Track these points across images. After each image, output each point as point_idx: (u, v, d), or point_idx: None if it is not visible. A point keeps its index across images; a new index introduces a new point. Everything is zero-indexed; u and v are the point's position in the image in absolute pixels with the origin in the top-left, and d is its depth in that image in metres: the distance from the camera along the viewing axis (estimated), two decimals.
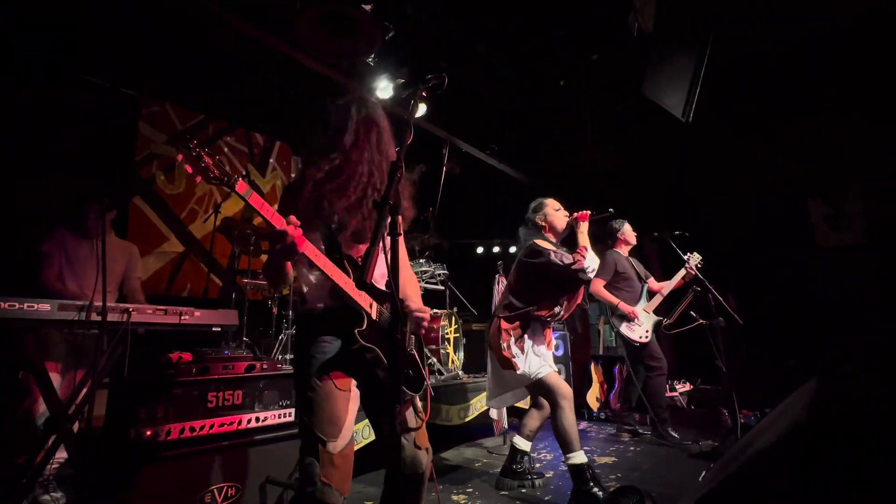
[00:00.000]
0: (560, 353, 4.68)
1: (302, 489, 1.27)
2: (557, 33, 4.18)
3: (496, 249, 7.17)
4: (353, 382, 1.41)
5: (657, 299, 3.89)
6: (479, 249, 7.23)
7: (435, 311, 4.20)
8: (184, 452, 1.89)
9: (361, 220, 1.41)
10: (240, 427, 2.09)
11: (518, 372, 2.49)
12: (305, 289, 1.44)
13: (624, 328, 3.82)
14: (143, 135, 4.37)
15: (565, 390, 2.46)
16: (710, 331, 3.16)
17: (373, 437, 2.55)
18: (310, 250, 1.25)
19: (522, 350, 2.53)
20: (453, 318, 4.25)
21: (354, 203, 1.40)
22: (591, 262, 2.44)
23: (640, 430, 4.01)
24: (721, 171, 5.55)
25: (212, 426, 2.00)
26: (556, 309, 2.58)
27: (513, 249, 7.55)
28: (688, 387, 4.85)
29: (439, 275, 4.51)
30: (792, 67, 4.62)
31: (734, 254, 5.11)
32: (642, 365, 3.84)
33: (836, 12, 4.00)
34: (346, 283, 1.32)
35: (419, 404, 1.52)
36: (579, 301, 2.64)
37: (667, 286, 3.89)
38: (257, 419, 2.15)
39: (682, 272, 3.79)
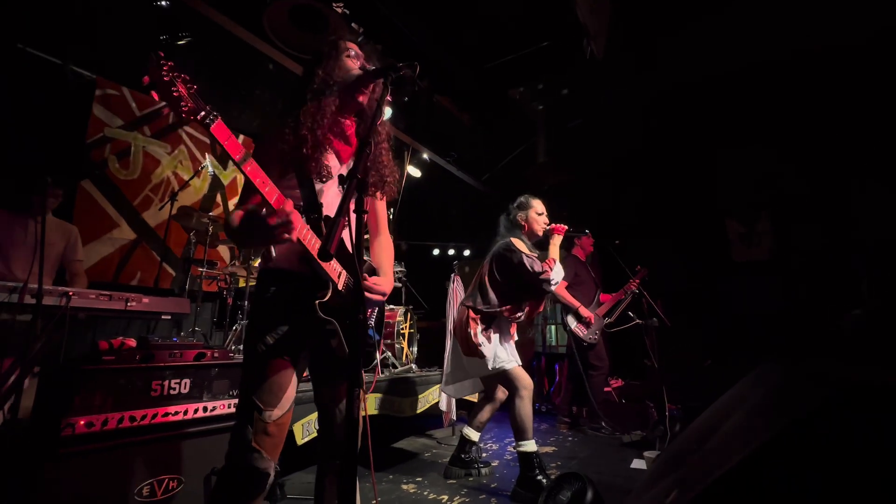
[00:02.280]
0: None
1: (232, 454, 1.18)
2: (518, 52, 4.23)
3: (451, 252, 7.15)
4: (302, 353, 1.31)
5: (606, 306, 4.01)
6: (436, 251, 7.18)
7: (391, 306, 4.10)
8: (122, 443, 1.69)
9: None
10: (186, 417, 1.90)
11: (483, 360, 2.43)
12: (275, 250, 1.32)
13: (575, 327, 3.90)
14: (96, 117, 3.98)
15: (527, 382, 2.44)
16: (645, 330, 3.26)
17: None
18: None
19: (489, 340, 2.47)
20: (409, 315, 4.16)
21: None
22: (556, 275, 2.41)
23: (578, 423, 4.08)
24: (656, 189, 5.81)
25: (154, 416, 1.80)
26: (518, 314, 2.53)
27: (467, 252, 7.57)
28: (619, 383, 5.00)
29: (397, 272, 4.41)
30: (720, 97, 4.92)
31: (663, 264, 5.36)
32: (587, 363, 3.91)
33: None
34: (317, 248, 1.21)
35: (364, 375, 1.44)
36: (540, 310, 2.63)
37: (613, 298, 4.02)
38: (205, 409, 1.97)
39: (629, 287, 3.93)
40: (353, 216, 0.86)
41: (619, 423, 3.91)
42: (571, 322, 3.91)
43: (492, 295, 2.50)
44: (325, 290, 1.23)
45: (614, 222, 5.84)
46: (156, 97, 0.91)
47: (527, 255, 2.42)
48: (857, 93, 4.42)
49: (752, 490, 0.50)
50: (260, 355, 1.24)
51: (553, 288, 2.40)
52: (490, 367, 2.43)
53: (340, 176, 0.83)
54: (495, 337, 2.50)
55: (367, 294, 1.37)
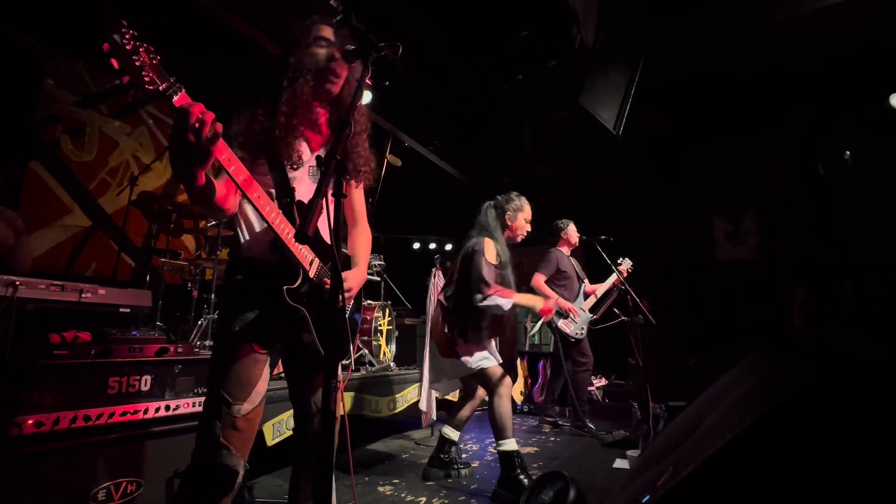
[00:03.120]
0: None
1: (199, 450, 1.17)
2: (505, 39, 4.24)
3: (432, 246, 7.15)
4: (274, 345, 1.31)
5: (592, 299, 4.07)
6: (416, 245, 7.17)
7: (369, 302, 4.08)
8: (76, 444, 1.64)
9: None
10: (146, 416, 1.85)
11: (462, 361, 2.44)
12: (244, 237, 1.31)
13: (561, 324, 3.95)
14: (47, 92, 3.81)
15: (506, 380, 2.46)
16: (630, 327, 3.33)
17: None
18: (252, 189, 1.11)
19: (466, 340, 2.48)
20: (387, 311, 4.15)
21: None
22: (491, 305, 2.34)
23: (560, 422, 4.15)
24: (644, 185, 5.93)
25: (112, 415, 1.75)
26: (483, 325, 2.49)
27: (449, 247, 7.58)
28: (603, 381, 5.12)
29: (375, 265, 4.38)
30: (709, 94, 5.04)
31: (649, 261, 5.49)
32: (571, 360, 3.98)
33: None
34: (289, 234, 1.20)
35: (339, 372, 1.45)
36: (502, 330, 2.59)
37: (600, 288, 4.08)
38: (167, 408, 1.92)
39: (615, 276, 3.99)
40: (331, 200, 0.85)
41: (602, 423, 4.00)
42: (556, 318, 3.97)
43: (454, 297, 2.51)
44: (295, 277, 1.23)
45: (600, 217, 5.94)
46: (115, 65, 0.86)
47: (487, 264, 2.39)
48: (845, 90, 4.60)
49: (742, 470, 0.52)
50: (227, 345, 1.23)
51: (482, 304, 2.35)
52: (469, 368, 2.45)
53: (318, 157, 0.82)
54: (471, 344, 2.51)
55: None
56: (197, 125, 0.93)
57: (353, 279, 1.43)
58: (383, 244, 5.60)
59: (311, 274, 1.28)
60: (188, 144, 0.94)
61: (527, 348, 5.37)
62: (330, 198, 0.83)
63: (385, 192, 5.45)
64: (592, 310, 4.10)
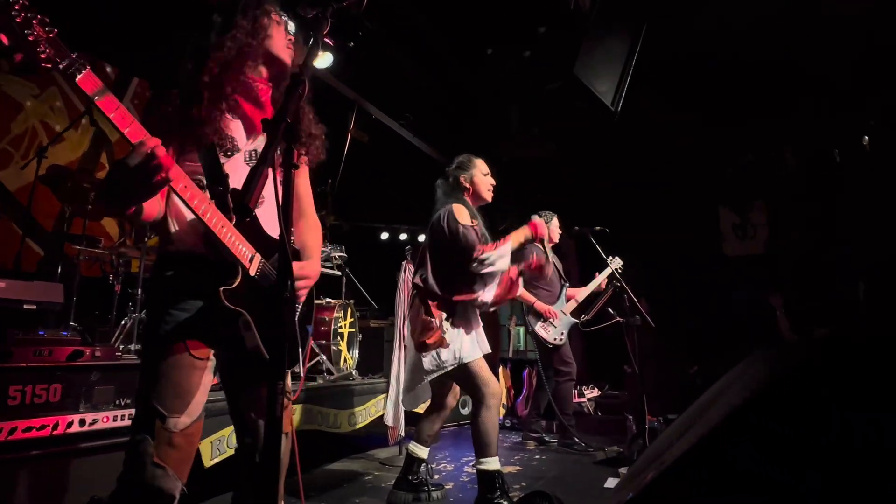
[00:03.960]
0: None
1: (128, 472, 1.17)
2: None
3: (403, 236, 7.13)
4: (212, 351, 1.30)
5: (572, 304, 4.12)
6: (384, 235, 7.14)
7: (328, 300, 4.05)
8: None
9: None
10: (56, 432, 1.79)
11: (444, 352, 2.41)
12: (174, 227, 1.29)
13: (539, 328, 4.00)
14: None
15: (496, 387, 2.45)
16: (626, 330, 3.41)
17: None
18: (179, 180, 1.10)
19: (453, 327, 2.44)
20: (349, 311, 4.13)
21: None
22: (496, 258, 2.36)
23: (547, 438, 4.22)
24: (644, 169, 6.05)
25: (13, 430, 1.69)
26: (478, 297, 2.49)
27: (422, 238, 7.58)
28: (596, 392, 5.23)
29: (336, 258, 4.34)
30: (717, 75, 5.16)
31: (648, 256, 5.62)
32: (552, 369, 4.04)
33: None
34: (223, 227, 1.19)
35: (289, 382, 1.44)
36: (514, 294, 2.59)
37: (582, 293, 4.14)
38: (83, 422, 1.87)
39: (600, 278, 4.05)
40: (280, 195, 0.83)
41: (594, 438, 4.08)
42: (533, 322, 4.01)
43: (432, 277, 2.49)
44: (234, 276, 1.22)
45: (595, 206, 6.04)
46: (4, 41, 0.84)
47: (466, 227, 2.42)
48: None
49: (721, 461, 0.55)
50: (160, 350, 1.22)
51: (487, 270, 2.38)
52: (453, 362, 2.42)
53: (265, 121, 0.80)
54: (458, 327, 2.47)
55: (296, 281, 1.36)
56: (154, 165, 0.99)
57: (308, 269, 1.42)
58: (346, 233, 5.56)
59: (252, 272, 1.27)
60: (141, 187, 1.01)
61: (510, 354, 5.44)
62: (278, 169, 0.82)
63: (348, 174, 5.40)
64: (584, 309, 4.18)
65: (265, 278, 1.30)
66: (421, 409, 3.59)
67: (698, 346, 5.20)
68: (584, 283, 4.29)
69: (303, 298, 1.45)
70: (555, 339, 3.99)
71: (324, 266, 4.31)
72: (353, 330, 4.17)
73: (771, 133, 5.68)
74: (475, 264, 2.37)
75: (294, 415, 2.88)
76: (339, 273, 4.45)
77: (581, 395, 5.08)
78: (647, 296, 4.75)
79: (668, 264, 5.69)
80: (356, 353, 4.16)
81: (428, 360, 2.45)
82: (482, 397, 2.42)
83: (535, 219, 2.55)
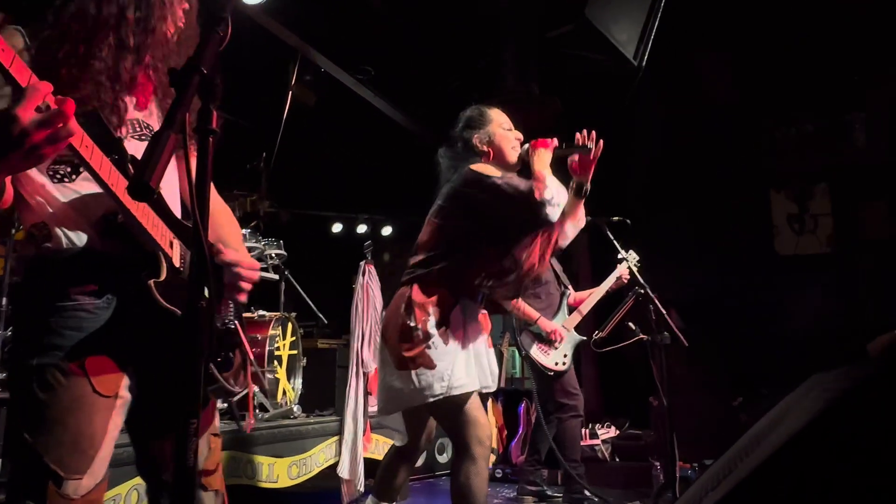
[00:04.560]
0: None
1: None
2: None
3: (362, 229, 7.10)
4: (124, 381, 1.27)
5: (577, 316, 4.12)
6: (337, 227, 7.11)
7: (260, 313, 4.02)
8: None
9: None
10: None
11: (425, 377, 2.32)
12: (48, 211, 1.25)
13: (535, 350, 3.98)
14: None
15: (486, 432, 2.38)
16: (651, 351, 3.44)
17: None
18: (80, 137, 1.07)
19: (445, 342, 2.38)
20: (289, 327, 4.10)
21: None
22: (555, 193, 2.35)
23: (549, 492, 4.26)
24: (674, 142, 6.12)
25: None
26: (509, 263, 2.45)
27: (388, 231, 7.56)
28: (612, 432, 5.29)
29: (271, 258, 4.31)
30: (767, 16, 5.25)
31: (678, 256, 5.68)
32: (553, 402, 4.05)
33: None
34: (138, 204, 1.18)
35: (217, 421, 1.43)
36: (552, 247, 2.52)
37: (590, 298, 4.13)
38: None
39: (613, 278, 4.07)
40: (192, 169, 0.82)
41: (610, 492, 4.12)
42: (528, 342, 3.99)
43: (448, 252, 2.44)
44: (157, 267, 1.21)
45: (611, 190, 6.08)
46: None
47: (501, 177, 2.39)
48: None
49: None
50: (48, 387, 1.17)
51: (557, 210, 2.36)
52: (436, 392, 2.33)
53: (173, 71, 0.78)
54: (453, 343, 2.40)
55: (237, 273, 1.35)
56: (54, 114, 0.95)
57: (246, 256, 1.42)
58: (285, 224, 5.52)
59: (177, 262, 1.26)
60: (30, 148, 0.96)
61: (501, 383, 5.46)
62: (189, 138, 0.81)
63: (289, 146, 5.36)
64: (596, 321, 4.17)
65: (189, 269, 1.28)
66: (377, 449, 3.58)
67: (743, 372, 5.27)
68: (591, 285, 4.30)
69: (244, 296, 1.43)
70: (556, 365, 3.99)
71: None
72: (296, 352, 4.15)
73: (839, 95, 5.78)
74: (545, 209, 2.31)
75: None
76: (276, 277, 4.42)
77: (593, 435, 5.12)
78: (677, 307, 4.81)
79: (704, 266, 5.75)
80: (299, 382, 4.14)
81: (408, 384, 2.37)
82: (467, 445, 2.35)
83: (534, 142, 2.52)
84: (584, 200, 2.60)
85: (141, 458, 1.41)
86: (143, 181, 0.71)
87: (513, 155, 2.57)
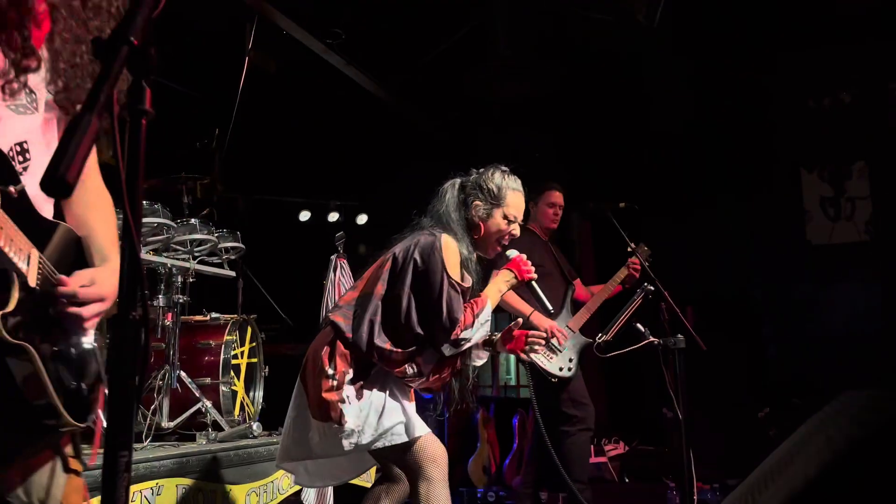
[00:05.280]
0: (430, 395, 4.77)
1: None
2: None
3: (333, 217, 7.07)
4: None
5: (584, 314, 4.12)
6: (304, 215, 7.07)
7: (214, 315, 3.99)
8: None
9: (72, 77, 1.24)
10: None
11: (343, 428, 2.40)
12: None
13: (537, 354, 3.99)
14: None
15: (435, 450, 2.45)
16: (664, 356, 3.44)
17: None
18: None
19: (358, 396, 2.46)
20: (248, 331, 4.08)
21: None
22: (473, 336, 2.50)
23: None
24: (691, 117, 6.12)
25: None
26: (408, 368, 2.53)
27: (363, 220, 7.53)
28: (621, 448, 5.32)
29: (226, 251, 4.28)
30: None
31: (695, 246, 5.69)
32: (558, 414, 4.05)
33: None
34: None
35: (69, 449, 1.39)
36: (446, 378, 2.68)
37: (598, 296, 4.12)
38: None
39: (624, 272, 4.06)
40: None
41: None
42: (528, 346, 3.97)
43: (369, 325, 2.50)
44: (7, 288, 1.13)
45: (618, 173, 6.09)
46: None
47: (451, 283, 2.47)
48: None
49: None
50: None
51: (460, 349, 2.50)
52: (358, 442, 2.42)
53: (96, 41, 0.76)
54: (377, 396, 2.49)
55: (69, 308, 1.26)
56: None
57: (106, 282, 1.34)
58: (242, 211, 5.49)
59: (33, 281, 1.20)
60: None
61: (492, 392, 5.47)
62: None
63: (246, 121, 5.31)
64: (599, 324, 4.16)
65: (47, 289, 1.23)
66: (363, 480, 3.58)
67: (770, 380, 5.31)
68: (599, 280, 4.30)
69: (90, 331, 1.39)
70: (560, 371, 3.99)
71: (209, 262, 4.25)
72: (256, 360, 4.14)
73: (880, 60, 5.80)
74: (445, 345, 2.45)
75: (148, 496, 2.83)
76: (233, 274, 4.39)
77: (599, 452, 5.15)
78: (695, 305, 4.83)
79: (725, 258, 5.78)
80: (260, 395, 4.13)
81: (328, 437, 2.45)
82: (419, 469, 2.44)
83: (514, 254, 2.61)
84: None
85: None
86: (59, 176, 0.68)
87: (493, 249, 2.70)
